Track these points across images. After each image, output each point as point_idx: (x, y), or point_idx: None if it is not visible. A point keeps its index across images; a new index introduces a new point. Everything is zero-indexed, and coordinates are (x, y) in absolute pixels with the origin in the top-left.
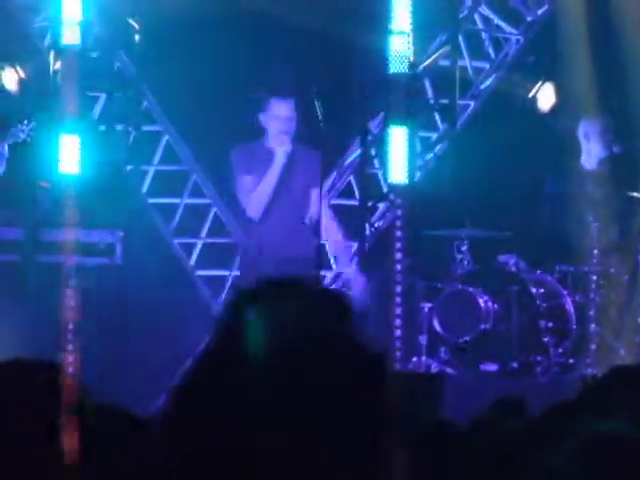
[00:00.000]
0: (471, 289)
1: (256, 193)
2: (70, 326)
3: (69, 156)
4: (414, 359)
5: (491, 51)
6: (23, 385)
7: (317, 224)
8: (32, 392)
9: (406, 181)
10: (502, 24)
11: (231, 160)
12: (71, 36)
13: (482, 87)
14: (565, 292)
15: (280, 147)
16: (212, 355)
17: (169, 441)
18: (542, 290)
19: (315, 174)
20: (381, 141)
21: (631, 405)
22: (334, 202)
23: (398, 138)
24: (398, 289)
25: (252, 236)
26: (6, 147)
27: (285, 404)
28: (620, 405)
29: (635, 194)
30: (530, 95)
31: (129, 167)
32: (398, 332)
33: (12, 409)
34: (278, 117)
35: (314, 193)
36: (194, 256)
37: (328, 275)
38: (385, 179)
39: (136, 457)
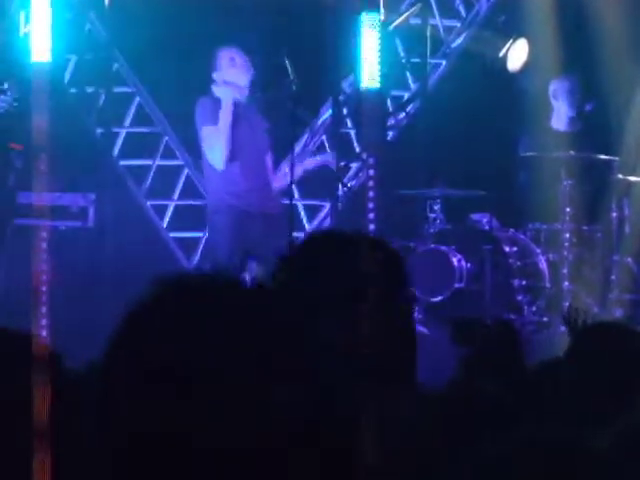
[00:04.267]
0: (444, 248)
1: (210, 142)
2: (43, 289)
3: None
4: None
5: (462, 9)
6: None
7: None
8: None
9: (378, 85)
10: None
11: (195, 114)
12: None
13: (453, 46)
14: (538, 250)
15: (225, 95)
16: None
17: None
18: (515, 248)
19: (266, 144)
20: (353, 100)
21: (608, 363)
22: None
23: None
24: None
25: (219, 191)
26: None
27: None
28: (597, 363)
29: (605, 156)
30: (500, 54)
31: (100, 129)
32: None
33: None
34: (232, 64)
35: (268, 160)
36: (167, 218)
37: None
38: (358, 139)
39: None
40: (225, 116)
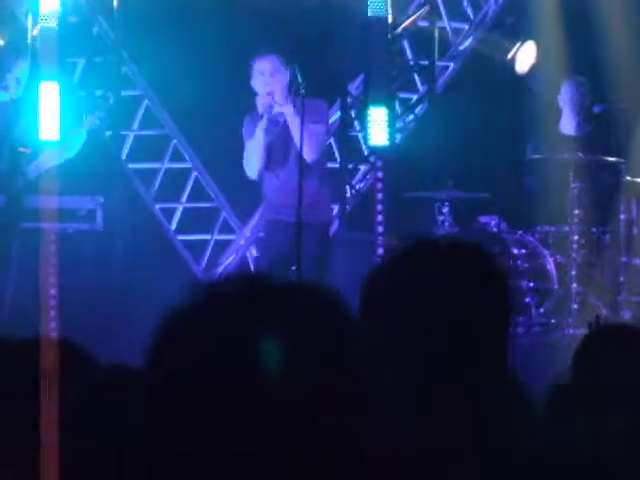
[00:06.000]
0: None
1: (246, 155)
2: (52, 292)
3: (49, 123)
4: None
5: (470, 12)
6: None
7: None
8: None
9: (387, 143)
10: None
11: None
12: (49, 1)
13: (461, 48)
14: (546, 252)
15: (263, 108)
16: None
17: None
18: (523, 250)
19: (314, 119)
20: (361, 103)
21: (616, 365)
22: None
23: (378, 116)
24: (380, 251)
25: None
26: None
27: None
28: (605, 365)
29: (613, 158)
30: (508, 56)
31: (108, 132)
32: None
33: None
34: (260, 76)
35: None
36: (175, 221)
37: None
38: (365, 141)
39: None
40: (259, 132)
